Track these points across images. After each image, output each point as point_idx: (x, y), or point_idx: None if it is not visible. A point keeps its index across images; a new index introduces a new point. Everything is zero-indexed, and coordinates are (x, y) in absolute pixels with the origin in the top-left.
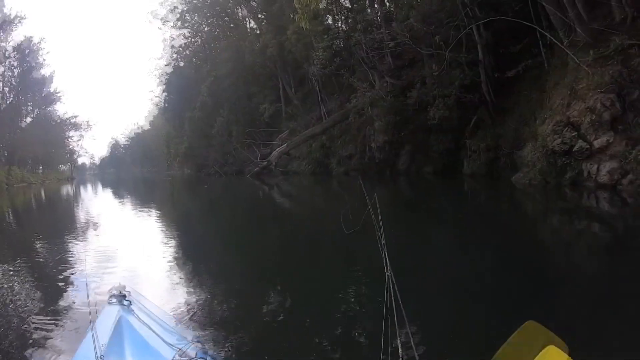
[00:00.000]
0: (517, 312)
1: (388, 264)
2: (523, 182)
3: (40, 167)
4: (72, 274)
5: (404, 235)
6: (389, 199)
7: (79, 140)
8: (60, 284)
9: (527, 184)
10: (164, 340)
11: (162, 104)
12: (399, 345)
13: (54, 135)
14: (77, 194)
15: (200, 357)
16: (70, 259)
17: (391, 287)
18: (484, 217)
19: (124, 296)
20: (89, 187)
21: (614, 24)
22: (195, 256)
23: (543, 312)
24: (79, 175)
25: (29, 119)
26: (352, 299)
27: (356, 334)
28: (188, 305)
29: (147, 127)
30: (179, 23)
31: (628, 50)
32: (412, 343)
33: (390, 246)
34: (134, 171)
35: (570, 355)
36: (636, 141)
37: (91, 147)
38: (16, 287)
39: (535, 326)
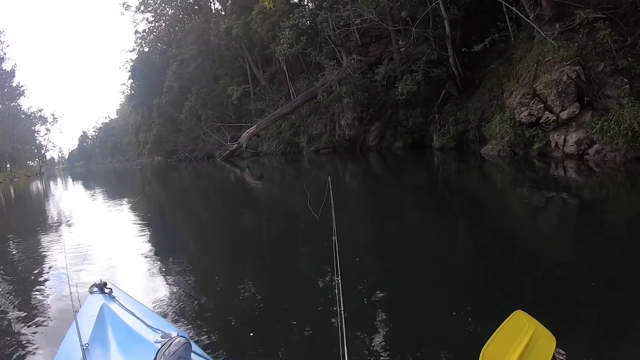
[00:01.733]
0: (494, 294)
1: (339, 269)
2: (492, 154)
3: (8, 165)
4: (52, 267)
5: (370, 212)
6: (359, 176)
7: (46, 134)
8: (40, 278)
9: (496, 156)
10: (145, 324)
11: (129, 92)
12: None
13: (20, 131)
14: (47, 190)
15: (182, 336)
16: (48, 254)
17: (340, 293)
18: (454, 189)
19: (105, 284)
20: (59, 181)
21: None
22: (169, 246)
23: (516, 292)
24: (48, 170)
25: None
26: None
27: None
28: (165, 292)
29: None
30: (142, 7)
31: (593, 23)
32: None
33: (354, 227)
34: (103, 163)
35: (557, 345)
36: (602, 112)
37: (60, 141)
38: None
39: (523, 316)
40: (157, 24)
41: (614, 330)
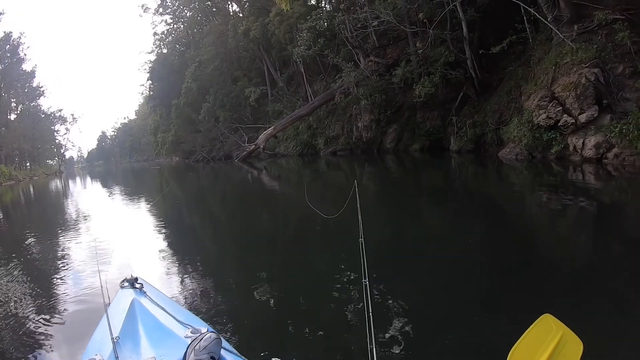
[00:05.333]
0: (520, 297)
1: (366, 270)
2: (509, 157)
3: (28, 163)
4: (82, 262)
5: (391, 215)
6: (377, 178)
7: (66, 133)
8: (71, 272)
9: (514, 159)
10: (175, 319)
11: (148, 93)
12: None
13: (40, 130)
14: (66, 189)
15: (211, 332)
16: (77, 249)
17: (369, 295)
18: (472, 194)
19: (136, 279)
20: (78, 180)
21: None
22: (193, 245)
23: (543, 296)
24: (67, 169)
25: (13, 116)
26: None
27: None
28: (193, 289)
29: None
30: (161, 9)
31: (612, 24)
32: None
33: (376, 230)
34: (122, 162)
35: (584, 352)
36: (621, 115)
37: (79, 141)
38: (30, 279)
39: (551, 320)
40: (175, 25)
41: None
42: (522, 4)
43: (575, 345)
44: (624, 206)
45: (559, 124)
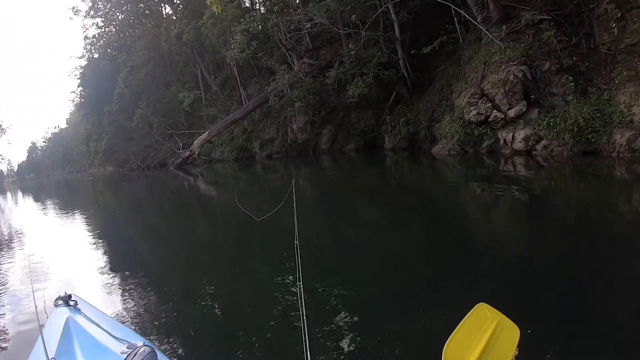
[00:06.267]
0: (455, 288)
1: (301, 273)
2: (442, 153)
3: None
4: (14, 283)
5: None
6: (313, 179)
7: None
8: (3, 294)
9: (447, 155)
10: (111, 335)
11: (79, 100)
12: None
13: None
14: None
15: (147, 345)
16: (8, 269)
17: (302, 298)
18: (407, 190)
19: (70, 297)
20: (9, 196)
21: (525, 0)
22: (128, 257)
23: (477, 285)
24: None
25: None
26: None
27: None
28: (129, 303)
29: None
30: (92, 12)
31: (539, 24)
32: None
33: (312, 230)
34: (54, 174)
35: (521, 337)
36: (548, 109)
37: (8, 154)
38: None
39: (486, 308)
40: (107, 29)
41: (572, 316)
42: (452, 5)
43: (511, 331)
44: (554, 193)
45: (489, 120)
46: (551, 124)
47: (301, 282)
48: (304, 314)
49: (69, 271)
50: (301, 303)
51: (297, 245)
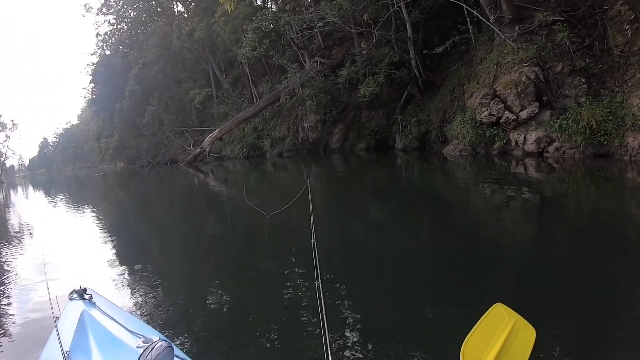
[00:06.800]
0: (472, 289)
1: (319, 272)
2: (454, 154)
3: None
4: (29, 276)
5: (341, 214)
6: (325, 178)
7: (6, 141)
8: (18, 287)
9: (458, 155)
10: (126, 329)
11: (90, 96)
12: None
13: None
14: (7, 200)
15: (163, 340)
16: (23, 262)
17: (321, 296)
18: (419, 190)
19: (85, 290)
20: (20, 190)
21: (539, 1)
22: (141, 252)
23: (493, 286)
24: (8, 179)
25: None
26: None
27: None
28: (144, 297)
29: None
30: (104, 9)
31: (552, 25)
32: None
33: (327, 229)
34: (65, 170)
35: (537, 339)
36: (560, 111)
37: (20, 149)
38: None
39: (503, 308)
40: (119, 26)
41: (585, 317)
42: (465, 5)
43: (527, 332)
44: (565, 196)
45: (500, 121)
46: (563, 126)
47: (319, 281)
48: (324, 313)
49: (81, 265)
50: (320, 302)
51: (314, 244)
